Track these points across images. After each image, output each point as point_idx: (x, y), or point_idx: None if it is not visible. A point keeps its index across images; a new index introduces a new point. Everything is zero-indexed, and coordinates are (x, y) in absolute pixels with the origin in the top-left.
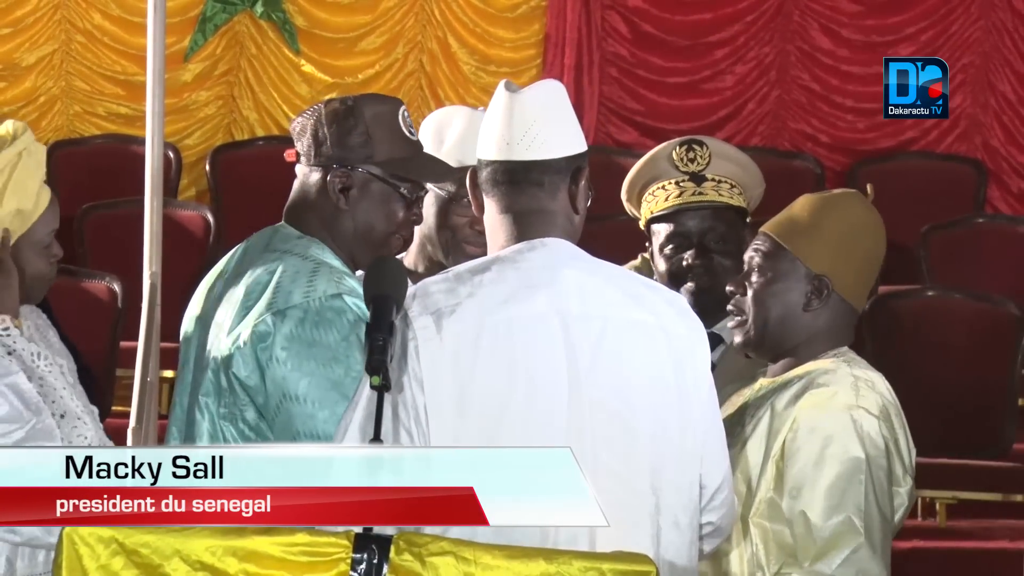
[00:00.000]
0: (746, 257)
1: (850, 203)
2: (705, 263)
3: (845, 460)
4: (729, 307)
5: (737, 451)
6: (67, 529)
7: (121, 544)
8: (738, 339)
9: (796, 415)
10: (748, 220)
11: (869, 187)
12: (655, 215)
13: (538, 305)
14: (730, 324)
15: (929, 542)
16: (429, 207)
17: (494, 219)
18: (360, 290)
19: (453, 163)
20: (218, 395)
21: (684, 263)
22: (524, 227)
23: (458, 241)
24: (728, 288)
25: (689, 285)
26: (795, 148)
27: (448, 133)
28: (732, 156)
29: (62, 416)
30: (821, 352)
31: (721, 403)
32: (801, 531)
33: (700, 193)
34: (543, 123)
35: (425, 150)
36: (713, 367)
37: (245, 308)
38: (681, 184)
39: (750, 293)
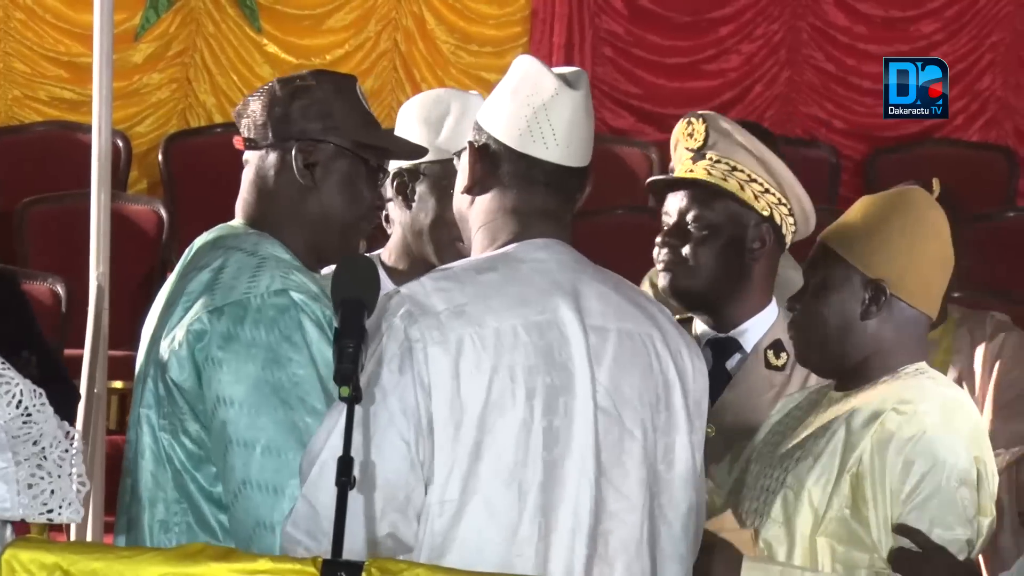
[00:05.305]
0: (803, 270)
1: (908, 200)
2: (677, 252)
3: (941, 502)
4: (788, 324)
5: (806, 466)
6: (7, 553)
7: (65, 572)
8: (798, 358)
9: (880, 436)
10: (766, 217)
11: (936, 181)
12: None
13: (550, 311)
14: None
15: None
16: (426, 201)
17: (499, 212)
18: (311, 287)
19: (453, 151)
20: (158, 406)
21: (655, 249)
22: (528, 227)
23: (452, 239)
24: (786, 304)
25: (662, 278)
26: (808, 135)
27: (446, 121)
28: (736, 138)
29: None
30: (897, 366)
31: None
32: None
33: (691, 171)
34: (587, 127)
35: (410, 138)
36: (729, 376)
37: (184, 309)
38: (684, 161)
39: (807, 307)
